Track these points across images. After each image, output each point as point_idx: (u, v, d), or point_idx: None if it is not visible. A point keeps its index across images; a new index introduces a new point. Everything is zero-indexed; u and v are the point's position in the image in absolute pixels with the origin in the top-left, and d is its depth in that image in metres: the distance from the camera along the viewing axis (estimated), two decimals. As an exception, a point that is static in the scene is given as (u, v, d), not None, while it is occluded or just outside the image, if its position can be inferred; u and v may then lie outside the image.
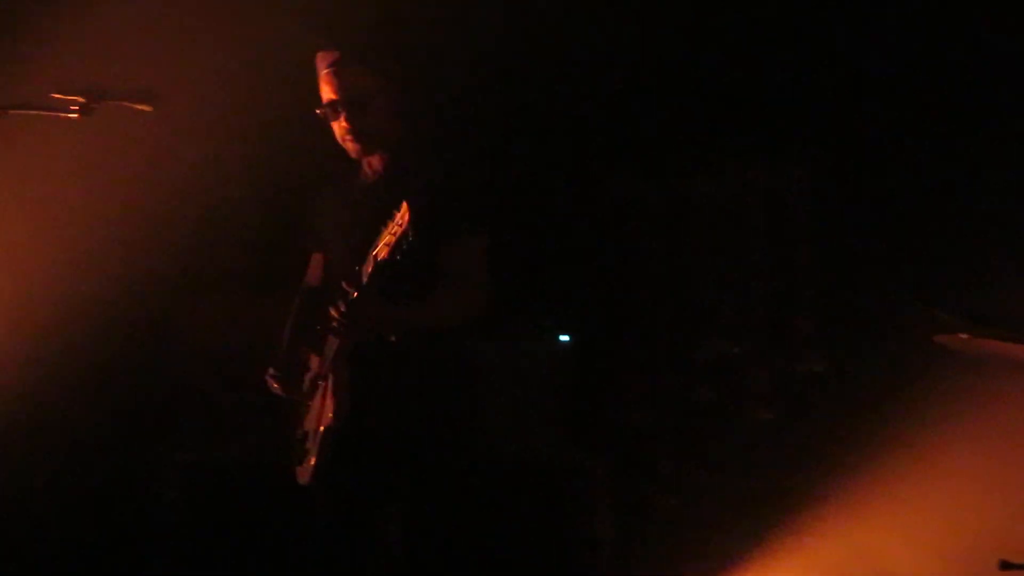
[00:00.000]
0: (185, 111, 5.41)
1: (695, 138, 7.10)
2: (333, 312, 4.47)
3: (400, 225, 4.17)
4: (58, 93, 4.31)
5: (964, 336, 5.13)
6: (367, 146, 4.70)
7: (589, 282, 7.18)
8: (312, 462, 4.59)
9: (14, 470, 6.78)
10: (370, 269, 4.36)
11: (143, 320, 6.94)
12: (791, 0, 6.76)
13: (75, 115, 4.32)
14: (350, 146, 4.70)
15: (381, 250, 4.27)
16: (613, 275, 7.29)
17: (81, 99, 4.31)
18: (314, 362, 4.80)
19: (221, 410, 6.68)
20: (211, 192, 6.73)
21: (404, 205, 4.18)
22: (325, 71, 4.68)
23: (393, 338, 4.54)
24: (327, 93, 4.68)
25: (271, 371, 4.85)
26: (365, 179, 4.79)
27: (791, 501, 6.53)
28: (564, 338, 6.78)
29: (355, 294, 4.42)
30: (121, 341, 6.88)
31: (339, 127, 4.69)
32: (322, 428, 4.54)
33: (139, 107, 4.43)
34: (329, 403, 4.55)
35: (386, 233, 4.25)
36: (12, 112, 4.27)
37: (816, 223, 6.97)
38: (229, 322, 6.72)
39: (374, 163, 4.76)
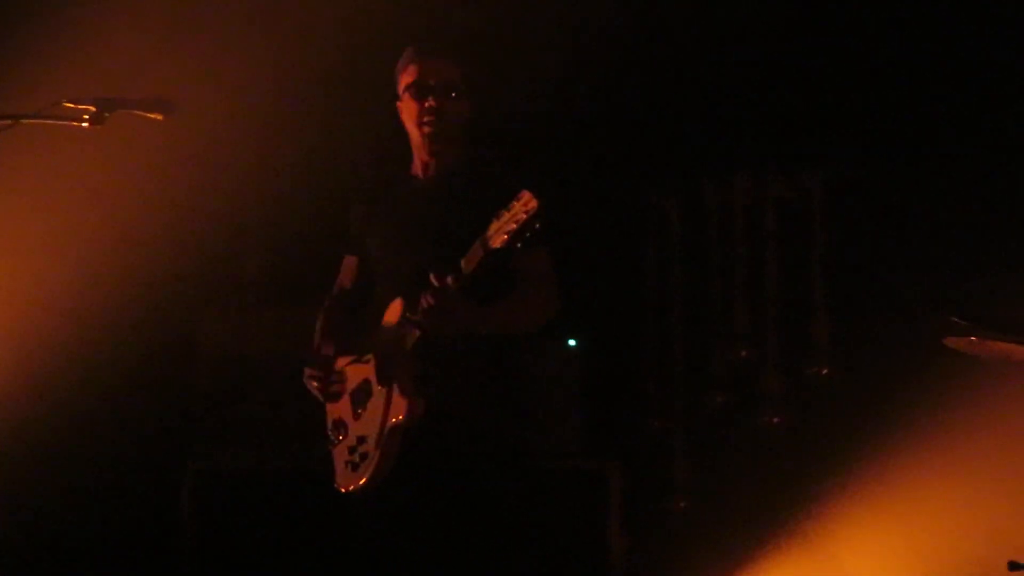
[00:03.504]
0: (199, 118, 5.43)
1: (710, 145, 7.12)
2: (424, 303, 4.41)
3: (525, 212, 4.13)
4: (70, 102, 4.32)
5: (973, 339, 5.17)
6: (444, 130, 4.70)
7: (603, 287, 7.19)
8: (374, 462, 4.54)
9: (37, 478, 6.85)
10: (478, 258, 4.30)
11: (166, 329, 6.97)
12: (807, 6, 6.79)
13: (86, 124, 4.33)
14: (427, 129, 4.70)
15: (495, 239, 4.20)
16: (627, 280, 7.31)
17: (92, 108, 4.32)
18: (347, 368, 4.76)
19: (241, 420, 6.68)
20: (233, 200, 6.76)
21: (527, 193, 4.16)
22: (411, 56, 4.74)
23: (482, 332, 4.54)
24: (410, 76, 4.72)
25: (308, 371, 4.78)
26: (419, 180, 4.77)
27: (801, 505, 6.56)
28: (572, 343, 6.79)
29: (453, 283, 4.36)
30: (143, 350, 6.94)
31: (420, 108, 4.69)
32: (392, 421, 4.50)
33: (151, 116, 4.44)
34: (400, 402, 4.50)
35: (504, 222, 4.19)
36: (24, 121, 4.28)
37: (828, 230, 6.98)
38: (252, 331, 6.74)
39: (434, 163, 4.75)
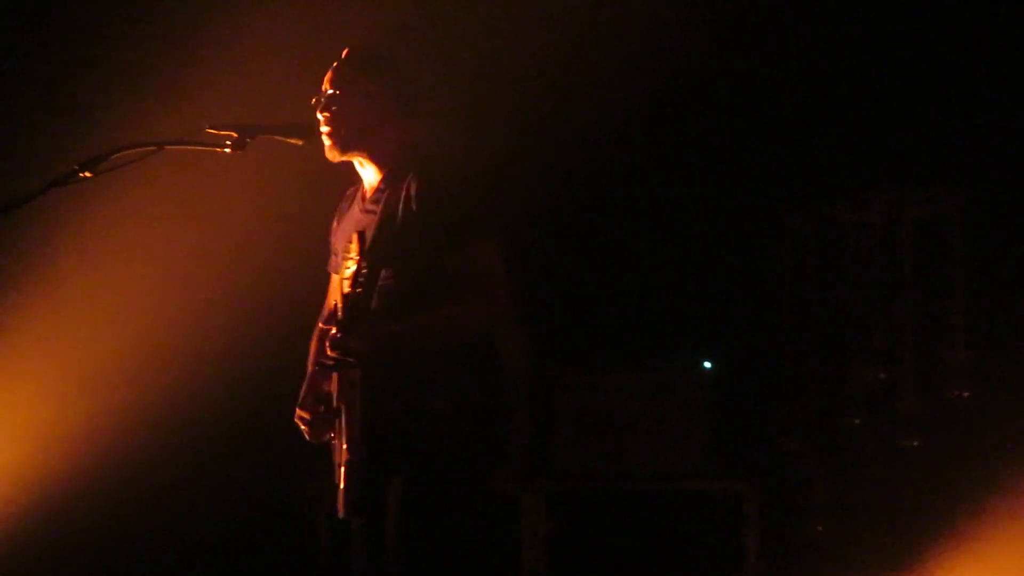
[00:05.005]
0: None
1: (847, 165, 7.07)
2: (326, 351, 4.28)
3: (353, 258, 4.06)
4: (212, 129, 4.38)
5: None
6: (338, 144, 4.45)
7: (738, 308, 7.17)
8: (341, 494, 4.33)
9: (172, 493, 6.93)
10: (345, 304, 4.20)
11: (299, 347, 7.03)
12: (946, 24, 6.72)
13: (228, 150, 4.38)
14: (325, 142, 4.47)
15: (344, 284, 4.14)
16: (763, 301, 7.28)
17: (234, 134, 4.36)
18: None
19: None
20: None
21: (355, 236, 4.06)
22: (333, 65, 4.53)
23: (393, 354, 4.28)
24: (324, 85, 4.53)
25: (299, 412, 4.56)
26: (363, 196, 4.55)
27: (939, 527, 6.47)
28: (707, 365, 6.78)
29: (336, 332, 4.22)
30: (281, 369, 6.99)
31: (320, 120, 4.48)
32: (342, 464, 4.31)
33: (291, 141, 4.48)
34: (344, 437, 4.31)
35: (345, 267, 4.13)
36: (168, 147, 4.35)
37: (968, 249, 6.90)
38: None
39: (369, 177, 4.52)
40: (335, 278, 4.70)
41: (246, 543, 6.98)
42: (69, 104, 6.71)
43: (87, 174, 4.24)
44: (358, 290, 4.11)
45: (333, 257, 4.70)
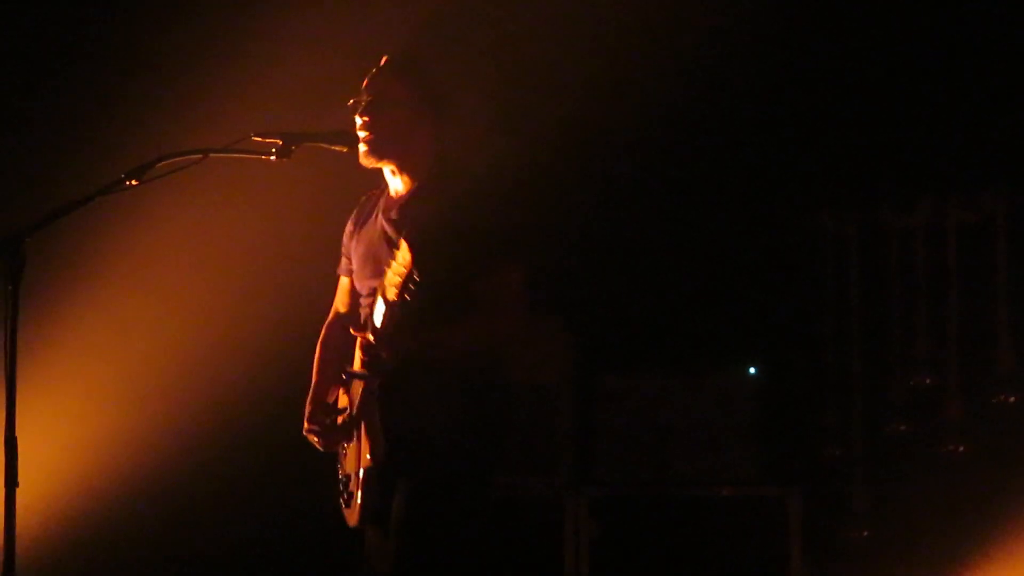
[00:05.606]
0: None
1: (891, 170, 7.05)
2: (357, 358, 4.31)
3: (404, 266, 3.99)
4: (257, 136, 4.40)
5: None
6: (374, 151, 4.46)
7: (782, 314, 7.15)
8: (357, 504, 4.38)
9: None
10: (383, 313, 4.17)
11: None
12: (992, 34, 6.70)
13: (273, 157, 4.40)
14: (361, 148, 4.46)
15: (389, 291, 4.09)
16: (806, 307, 7.26)
17: (279, 141, 4.38)
18: (344, 401, 4.57)
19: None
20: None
21: (403, 243, 4.00)
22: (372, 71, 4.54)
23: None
24: (362, 89, 4.52)
25: (308, 425, 4.60)
26: (389, 203, 4.55)
27: (984, 533, 6.45)
28: (752, 371, 6.77)
29: (371, 338, 4.24)
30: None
31: (357, 125, 4.48)
32: (362, 469, 4.33)
33: (335, 148, 4.49)
34: (365, 444, 4.32)
35: (391, 273, 4.06)
36: (213, 155, 4.37)
37: (1012, 254, 6.88)
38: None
39: (397, 185, 4.52)
40: (344, 281, 4.75)
41: (285, 550, 6.99)
42: (114, 113, 6.75)
43: (133, 182, 4.26)
44: (407, 296, 4.06)
45: (344, 260, 4.72)
